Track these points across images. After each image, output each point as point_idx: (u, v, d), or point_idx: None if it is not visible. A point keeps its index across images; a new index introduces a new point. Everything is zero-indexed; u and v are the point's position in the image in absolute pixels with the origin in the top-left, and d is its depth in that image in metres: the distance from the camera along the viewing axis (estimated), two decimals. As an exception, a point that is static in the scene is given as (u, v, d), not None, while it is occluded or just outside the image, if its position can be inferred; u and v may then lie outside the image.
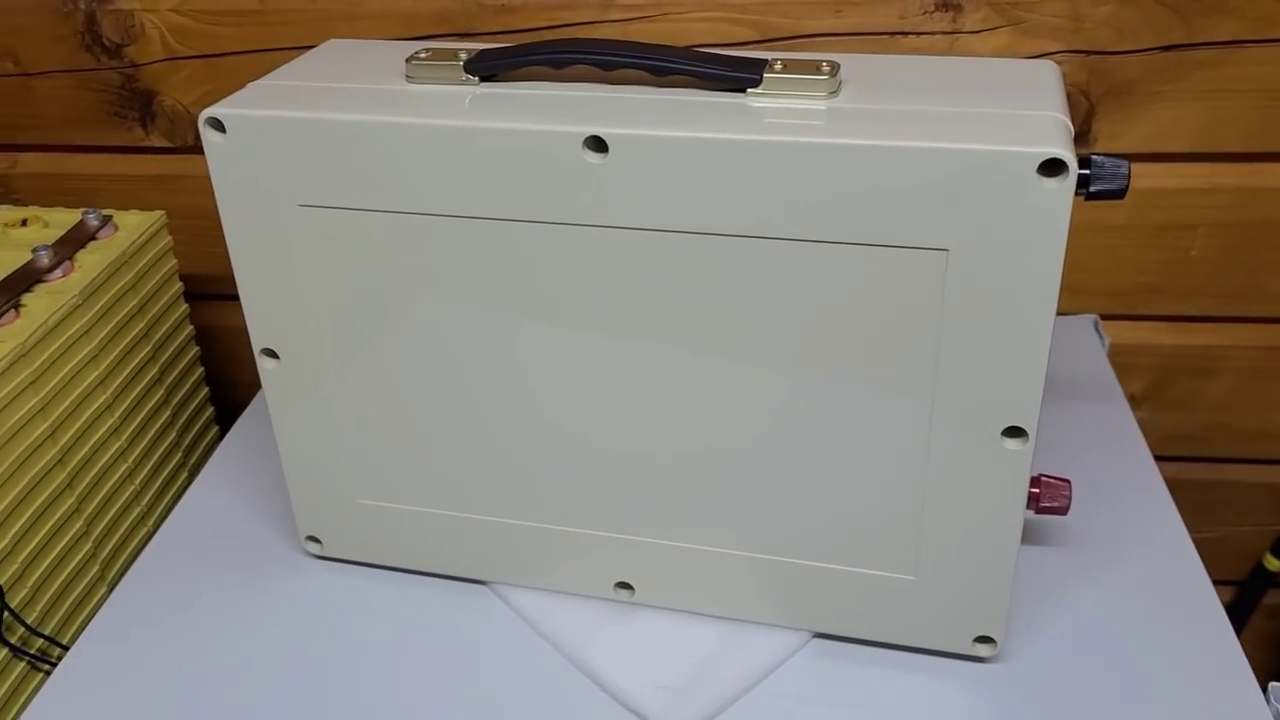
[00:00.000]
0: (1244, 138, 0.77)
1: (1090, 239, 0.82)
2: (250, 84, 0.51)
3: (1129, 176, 0.46)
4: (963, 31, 0.76)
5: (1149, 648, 0.53)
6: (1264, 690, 0.50)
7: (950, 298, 0.44)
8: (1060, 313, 0.84)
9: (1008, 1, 0.75)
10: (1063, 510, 0.54)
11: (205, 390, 0.83)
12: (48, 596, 0.65)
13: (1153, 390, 0.88)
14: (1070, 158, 0.40)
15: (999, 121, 0.43)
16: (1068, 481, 0.54)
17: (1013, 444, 0.46)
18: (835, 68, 0.47)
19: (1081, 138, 0.79)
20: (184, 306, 0.80)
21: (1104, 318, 0.85)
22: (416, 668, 0.54)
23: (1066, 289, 0.84)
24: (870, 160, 0.42)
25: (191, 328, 0.81)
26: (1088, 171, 0.45)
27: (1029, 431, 0.46)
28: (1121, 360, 0.86)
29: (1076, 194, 0.46)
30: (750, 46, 0.78)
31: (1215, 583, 0.96)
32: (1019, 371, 0.45)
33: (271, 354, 0.54)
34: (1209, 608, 0.55)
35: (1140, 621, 0.55)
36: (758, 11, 0.77)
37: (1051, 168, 0.41)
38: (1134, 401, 0.88)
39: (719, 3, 0.77)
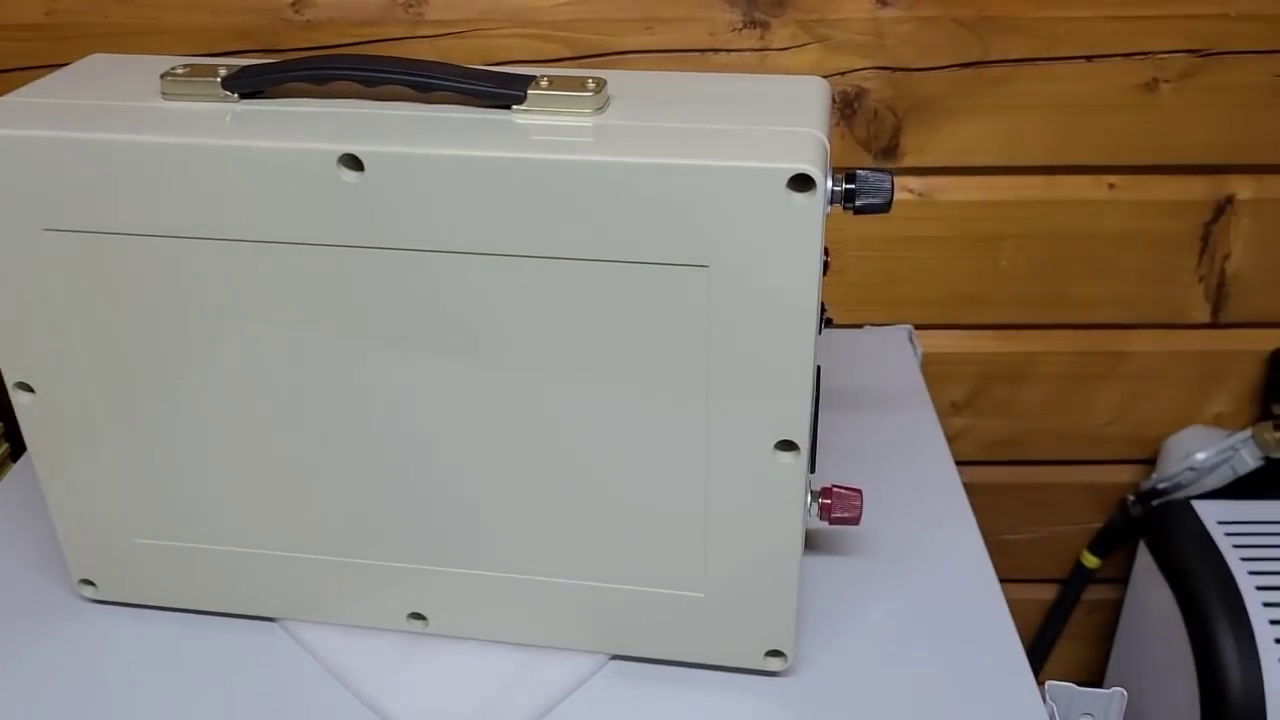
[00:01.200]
0: (1039, 151, 0.80)
1: (905, 250, 0.84)
2: (-9, 101, 0.48)
3: (892, 190, 0.46)
4: (771, 49, 0.77)
5: (937, 653, 0.54)
6: (1041, 688, 0.51)
7: (714, 314, 0.44)
8: (877, 323, 0.86)
9: (814, 19, 0.76)
10: (854, 520, 0.55)
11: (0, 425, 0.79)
12: None
13: (973, 397, 0.90)
14: (818, 173, 0.41)
15: (755, 138, 0.43)
16: (859, 491, 0.55)
17: (786, 458, 0.46)
18: (601, 84, 0.46)
19: (890, 152, 0.81)
20: (-32, 337, 0.75)
21: (923, 328, 0.87)
22: (200, 712, 0.51)
23: (885, 300, 0.86)
24: (628, 176, 0.42)
25: (-21, 359, 0.76)
26: (853, 186, 0.46)
27: (800, 445, 0.46)
28: (941, 369, 0.89)
29: (845, 208, 0.46)
30: (563, 63, 0.78)
31: (1039, 581, 1.00)
32: (786, 386, 0.45)
33: (26, 388, 0.51)
34: (996, 612, 0.56)
35: (930, 627, 0.55)
36: (569, 29, 0.77)
37: (801, 183, 0.41)
38: (955, 409, 0.90)
39: (530, 20, 0.76)
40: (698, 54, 0.78)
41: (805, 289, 0.42)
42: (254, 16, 0.76)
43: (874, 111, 0.79)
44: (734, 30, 0.77)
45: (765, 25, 0.77)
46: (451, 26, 0.77)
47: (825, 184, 0.41)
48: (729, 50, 0.77)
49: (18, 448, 0.82)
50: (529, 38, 0.77)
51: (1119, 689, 0.49)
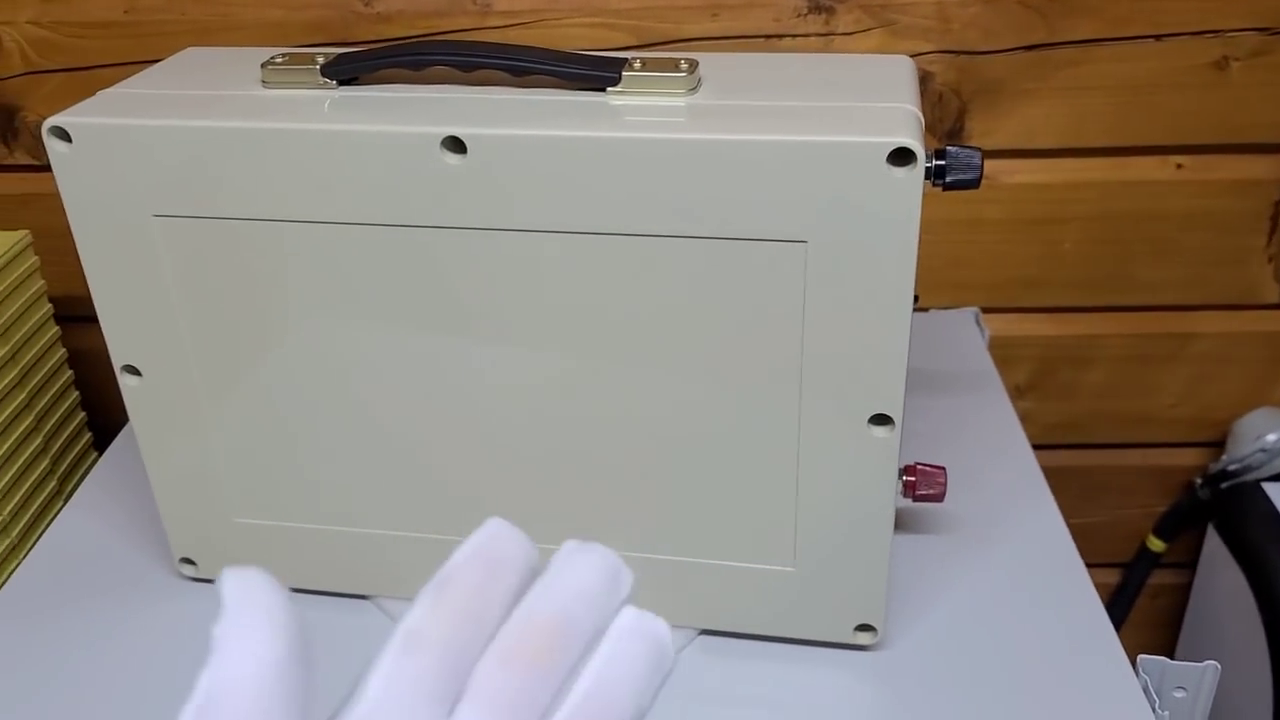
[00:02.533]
0: (1106, 132, 0.80)
1: (970, 234, 0.84)
2: (100, 92, 0.50)
3: (982, 166, 0.47)
4: (836, 33, 0.78)
5: (1025, 628, 0.54)
6: (1133, 663, 0.51)
7: (811, 289, 0.44)
8: (943, 306, 0.86)
9: (878, 3, 0.77)
10: (938, 497, 0.55)
11: (81, 415, 0.80)
12: (-93, 636, 0.62)
13: (1036, 381, 0.90)
14: (918, 147, 0.41)
15: (851, 114, 0.44)
16: (943, 469, 0.55)
17: (880, 432, 0.47)
18: (694, 65, 0.47)
19: (955, 135, 0.81)
20: (55, 329, 0.77)
21: (986, 311, 0.87)
22: (296, 687, 0.53)
23: (949, 283, 0.86)
24: (727, 154, 0.42)
25: (64, 351, 0.78)
26: (943, 163, 0.46)
27: (895, 419, 0.47)
28: (1005, 352, 0.89)
29: (934, 185, 0.47)
30: (628, 51, 0.78)
31: (1103, 565, 0.99)
32: (881, 360, 0.45)
33: (134, 371, 0.52)
34: (1081, 587, 0.56)
35: (1016, 603, 0.56)
36: (635, 16, 0.77)
37: (901, 157, 0.41)
38: (1018, 392, 0.90)
39: (597, 8, 0.77)
40: (763, 40, 0.78)
41: (904, 262, 0.43)
42: (325, 10, 0.78)
43: (939, 95, 0.79)
44: (799, 15, 0.77)
45: (830, 10, 0.77)
46: (518, 17, 0.78)
47: (924, 158, 0.42)
48: (794, 35, 0.78)
49: (100, 438, 0.84)
50: (595, 26, 0.78)
51: (1213, 662, 0.49)
